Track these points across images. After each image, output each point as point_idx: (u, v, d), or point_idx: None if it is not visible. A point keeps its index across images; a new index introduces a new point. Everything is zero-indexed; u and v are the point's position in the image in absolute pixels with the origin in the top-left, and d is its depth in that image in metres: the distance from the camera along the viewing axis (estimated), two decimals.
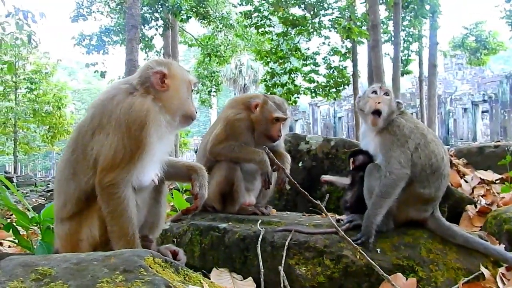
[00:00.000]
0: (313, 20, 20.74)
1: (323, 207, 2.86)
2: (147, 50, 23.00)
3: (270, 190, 3.63)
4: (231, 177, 3.38)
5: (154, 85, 2.50)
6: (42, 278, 1.56)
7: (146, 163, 2.40)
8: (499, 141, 6.93)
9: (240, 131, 3.43)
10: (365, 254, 2.51)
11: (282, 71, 21.05)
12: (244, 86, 47.79)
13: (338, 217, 3.12)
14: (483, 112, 40.26)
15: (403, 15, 19.89)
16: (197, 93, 28.92)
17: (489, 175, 5.50)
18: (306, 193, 2.77)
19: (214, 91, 29.02)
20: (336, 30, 20.24)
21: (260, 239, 2.74)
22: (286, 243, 2.69)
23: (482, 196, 4.71)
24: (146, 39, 22.58)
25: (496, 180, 5.36)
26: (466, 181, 5.34)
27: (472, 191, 5.09)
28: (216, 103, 36.40)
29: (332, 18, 20.65)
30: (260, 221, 2.98)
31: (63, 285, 1.52)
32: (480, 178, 5.45)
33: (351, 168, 3.24)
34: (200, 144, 3.74)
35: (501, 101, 35.12)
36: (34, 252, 3.33)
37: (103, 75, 22.49)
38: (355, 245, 2.58)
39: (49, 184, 23.71)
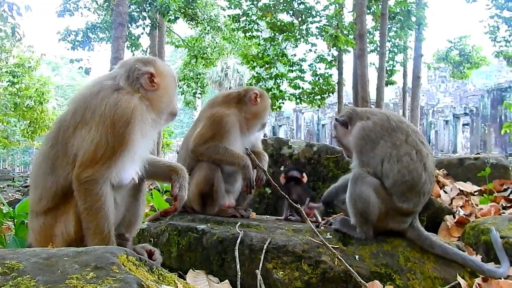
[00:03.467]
0: (300, 27, 20.81)
1: (303, 211, 2.84)
2: (133, 48, 22.82)
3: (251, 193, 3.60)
4: (211, 178, 3.33)
5: (144, 86, 2.47)
6: (9, 272, 1.50)
7: (127, 161, 2.36)
8: (478, 154, 7.01)
9: (228, 128, 3.38)
10: (343, 260, 2.49)
11: (268, 76, 21.03)
12: (229, 89, 47.72)
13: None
14: (464, 125, 40.82)
15: (389, 26, 20.07)
16: (181, 94, 28.82)
17: (468, 187, 5.56)
18: (286, 196, 2.74)
19: (199, 93, 28.89)
20: (323, 37, 20.33)
21: (238, 241, 2.70)
22: (265, 247, 2.65)
23: (461, 207, 4.74)
24: (133, 37, 22.41)
25: (475, 191, 5.41)
26: (445, 192, 5.38)
27: (451, 202, 5.13)
28: (200, 105, 36.20)
29: (320, 26, 20.74)
30: (239, 223, 2.95)
31: (30, 280, 1.46)
32: (459, 189, 5.50)
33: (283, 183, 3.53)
34: (182, 144, 3.68)
35: (482, 115, 35.65)
36: (6, 247, 3.25)
37: (88, 72, 22.22)
38: (334, 251, 2.56)
39: (27, 179, 23.33)
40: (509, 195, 5.15)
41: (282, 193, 2.98)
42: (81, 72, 23.43)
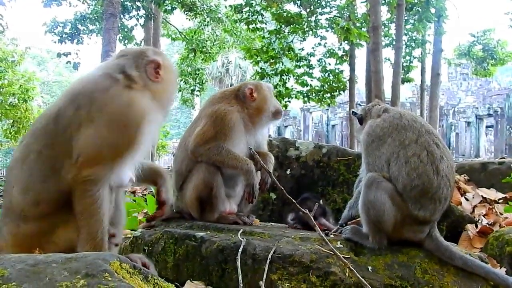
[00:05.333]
0: (309, 19, 20.82)
1: (312, 217, 2.85)
2: (126, 41, 22.88)
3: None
4: (210, 181, 3.33)
5: (148, 74, 2.50)
6: None
7: (129, 162, 2.39)
8: (503, 158, 7.00)
9: (232, 125, 3.39)
10: (355, 271, 2.50)
11: (273, 72, 21.02)
12: (231, 86, 47.69)
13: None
14: (487, 127, 40.74)
15: (406, 18, 20.06)
16: (179, 91, 28.86)
17: (492, 194, 5.54)
18: (293, 200, 2.75)
19: (198, 90, 28.95)
20: (333, 30, 20.35)
21: (240, 250, 2.72)
22: (269, 256, 2.67)
23: (484, 215, 4.74)
24: (126, 29, 22.50)
25: (499, 199, 5.40)
26: (466, 199, 5.37)
27: (473, 210, 5.12)
28: (199, 103, 36.24)
29: (330, 17, 20.76)
30: (241, 230, 2.96)
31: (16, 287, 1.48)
32: (482, 197, 5.49)
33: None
34: (179, 145, 3.67)
35: (507, 116, 35.51)
36: None
37: (76, 67, 22.29)
38: (345, 261, 2.57)
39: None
40: None
41: (289, 197, 2.99)
42: (69, 67, 23.53)
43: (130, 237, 3.44)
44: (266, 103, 3.63)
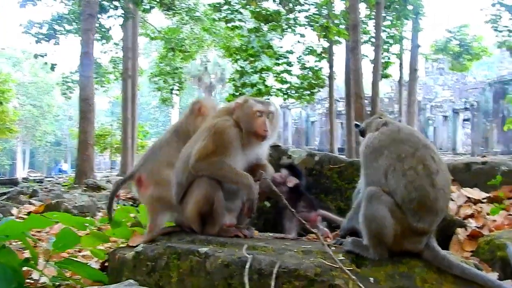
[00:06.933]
0: (287, 16, 20.95)
1: (321, 237, 2.94)
2: (104, 41, 22.73)
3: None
4: (212, 196, 3.37)
5: None
6: None
7: None
8: (485, 156, 7.18)
9: (230, 140, 3.41)
10: (359, 283, 2.59)
11: (252, 70, 21.08)
12: (210, 84, 47.72)
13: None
14: (464, 120, 41.40)
15: (384, 15, 20.32)
16: (158, 90, 28.76)
17: (476, 194, 5.68)
18: (301, 219, 2.84)
19: (177, 89, 28.90)
20: (312, 28, 20.51)
21: (247, 267, 2.78)
22: (275, 271, 2.73)
23: (471, 216, 4.87)
24: (103, 29, 22.34)
25: (483, 198, 5.54)
26: (452, 199, 5.51)
27: (458, 210, 5.26)
28: (178, 102, 36.17)
29: (309, 15, 20.90)
30: (245, 246, 3.02)
31: None
32: (467, 197, 5.64)
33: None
34: (180, 158, 3.70)
35: (483, 110, 36.12)
36: None
37: (53, 67, 22.08)
38: (350, 274, 2.65)
39: None
40: None
41: (292, 210, 3.08)
42: (46, 68, 23.28)
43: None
44: (251, 109, 3.58)
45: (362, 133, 3.21)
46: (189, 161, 3.45)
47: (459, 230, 4.20)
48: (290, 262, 2.82)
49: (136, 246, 3.56)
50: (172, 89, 28.53)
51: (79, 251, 4.97)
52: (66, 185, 17.67)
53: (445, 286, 2.82)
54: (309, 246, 3.11)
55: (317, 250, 2.96)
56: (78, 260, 4.25)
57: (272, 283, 2.69)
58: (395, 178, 2.84)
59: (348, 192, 4.43)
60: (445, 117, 41.45)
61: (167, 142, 4.02)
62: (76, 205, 8.02)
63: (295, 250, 2.99)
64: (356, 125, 3.26)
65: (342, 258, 2.90)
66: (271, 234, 3.89)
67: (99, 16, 20.30)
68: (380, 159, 2.93)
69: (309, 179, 4.49)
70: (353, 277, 2.65)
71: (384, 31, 21.64)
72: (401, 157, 2.88)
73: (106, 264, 4.07)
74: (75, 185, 15.86)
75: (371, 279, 2.77)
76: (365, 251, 2.92)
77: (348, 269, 2.75)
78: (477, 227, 4.33)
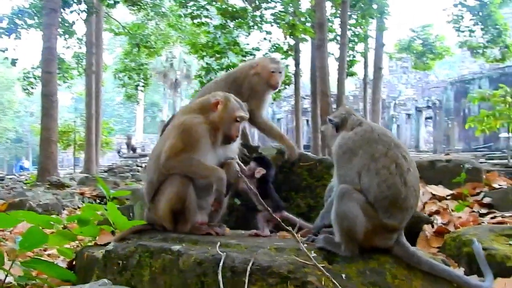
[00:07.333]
0: (254, 13, 20.96)
1: (296, 235, 2.98)
2: (67, 36, 22.32)
3: (223, 208, 3.68)
4: (183, 193, 3.37)
5: None
6: None
7: None
8: (448, 154, 7.37)
9: (198, 137, 3.41)
10: (334, 281, 2.63)
11: (219, 67, 21.00)
12: (176, 81, 47.34)
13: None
14: (426, 118, 42.23)
15: (349, 13, 20.55)
16: (122, 87, 28.41)
17: (440, 191, 5.84)
18: (278, 219, 2.86)
19: (142, 86, 28.63)
20: (278, 25, 20.59)
21: (221, 264, 2.78)
22: (248, 268, 2.74)
23: (436, 213, 5.00)
24: (66, 24, 21.94)
25: (448, 195, 5.70)
26: None
27: (424, 207, 5.39)
28: (143, 98, 35.80)
29: (275, 13, 20.97)
30: (218, 243, 3.02)
31: None
32: (431, 193, 5.79)
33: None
34: (151, 155, 3.69)
35: (445, 108, 36.90)
36: None
37: (14, 63, 21.60)
38: (323, 270, 2.69)
39: None
40: (482, 199, 5.48)
41: (267, 207, 3.10)
42: (6, 63, 22.72)
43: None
44: (233, 113, 3.64)
45: (337, 129, 3.23)
46: (159, 160, 3.44)
47: (426, 227, 4.30)
48: (264, 259, 2.83)
49: (104, 244, 3.53)
50: (137, 86, 28.25)
51: (45, 250, 4.89)
52: (28, 183, 17.31)
53: (414, 282, 2.88)
54: (282, 243, 3.13)
55: (290, 247, 2.99)
56: (45, 259, 4.19)
57: (246, 281, 2.71)
58: (369, 177, 2.89)
59: (318, 190, 4.47)
60: (408, 115, 42.19)
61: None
62: (41, 203, 7.88)
63: (268, 248, 3.00)
64: (330, 120, 3.27)
65: (314, 255, 2.92)
66: (243, 232, 3.89)
67: (62, 10, 19.90)
68: (354, 159, 2.97)
69: (280, 177, 4.51)
70: (327, 273, 2.69)
71: (350, 29, 21.90)
72: (374, 157, 2.93)
73: (74, 263, 4.03)
74: (38, 183, 15.54)
75: (343, 275, 2.80)
76: (337, 248, 2.96)
77: (321, 266, 2.78)
78: (443, 224, 4.44)
